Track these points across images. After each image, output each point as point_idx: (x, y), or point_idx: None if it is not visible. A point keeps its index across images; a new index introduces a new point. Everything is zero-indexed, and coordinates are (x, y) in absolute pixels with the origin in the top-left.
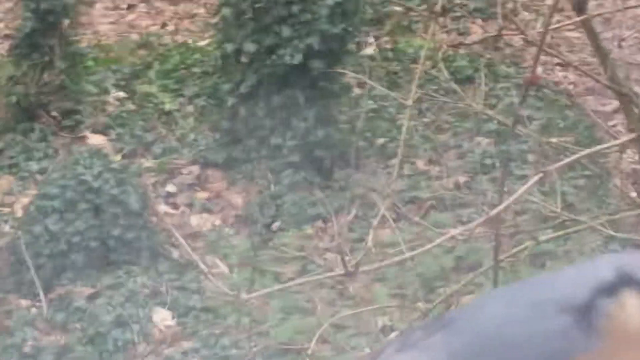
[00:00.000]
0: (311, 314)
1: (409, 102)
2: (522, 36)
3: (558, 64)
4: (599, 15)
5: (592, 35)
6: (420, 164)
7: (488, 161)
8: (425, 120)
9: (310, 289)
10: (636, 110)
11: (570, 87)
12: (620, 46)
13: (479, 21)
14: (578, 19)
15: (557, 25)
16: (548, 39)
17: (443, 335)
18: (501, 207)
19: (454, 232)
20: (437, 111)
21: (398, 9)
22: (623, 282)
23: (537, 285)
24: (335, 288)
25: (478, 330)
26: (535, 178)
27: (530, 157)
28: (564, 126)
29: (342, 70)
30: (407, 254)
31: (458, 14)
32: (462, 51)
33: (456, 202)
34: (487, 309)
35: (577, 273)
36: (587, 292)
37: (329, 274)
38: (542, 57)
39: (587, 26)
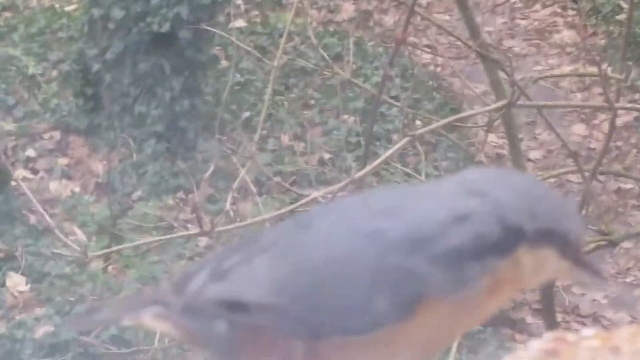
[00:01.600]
0: None
1: (275, 63)
2: None
3: (426, 46)
4: None
5: (463, 4)
6: (285, 139)
7: (353, 139)
8: (292, 96)
9: (168, 260)
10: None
11: (438, 69)
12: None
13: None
14: None
15: None
16: (417, 22)
17: (265, 261)
18: (366, 169)
19: (316, 193)
20: (303, 87)
21: None
22: (512, 237)
23: (377, 208)
24: (194, 260)
25: (306, 257)
26: (402, 142)
27: (396, 137)
28: (431, 107)
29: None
30: (265, 216)
31: None
32: (331, 28)
33: (320, 178)
34: (318, 230)
35: (424, 198)
36: (439, 225)
37: (185, 233)
38: (410, 40)
39: None
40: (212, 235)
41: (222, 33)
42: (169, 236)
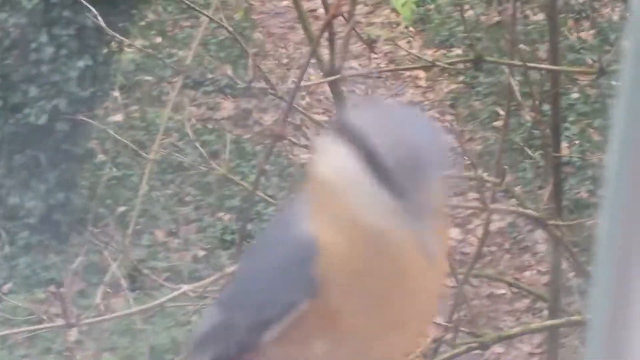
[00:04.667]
0: None
1: (151, 156)
2: (271, 91)
3: (304, 146)
4: (350, 76)
5: (340, 100)
6: (160, 235)
7: (228, 237)
8: (168, 192)
9: (36, 355)
10: None
11: None
12: None
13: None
14: (329, 79)
15: (308, 83)
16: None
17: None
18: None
19: (186, 287)
20: (180, 183)
21: (149, 78)
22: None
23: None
24: (62, 355)
25: (238, 275)
26: None
27: None
28: None
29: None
30: (134, 310)
31: (209, 88)
32: (210, 126)
33: (193, 275)
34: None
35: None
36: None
37: (50, 325)
38: (289, 139)
39: (335, 90)
40: (80, 328)
41: (100, 125)
42: (34, 327)
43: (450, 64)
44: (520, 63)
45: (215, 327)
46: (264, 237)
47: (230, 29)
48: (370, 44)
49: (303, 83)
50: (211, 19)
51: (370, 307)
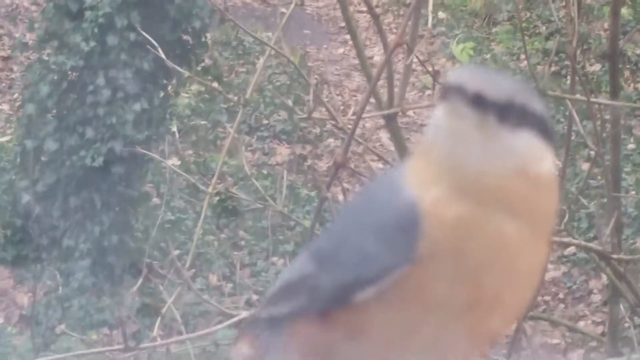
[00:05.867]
0: None
1: (210, 190)
2: (332, 122)
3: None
4: (410, 108)
5: (398, 140)
6: (214, 279)
7: None
8: (222, 236)
9: None
10: None
11: None
12: None
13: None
14: (390, 111)
15: (369, 115)
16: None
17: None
18: None
19: (245, 314)
20: (234, 228)
21: (204, 122)
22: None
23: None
24: None
25: (332, 229)
26: None
27: None
28: None
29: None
30: (189, 335)
31: (264, 134)
32: (265, 171)
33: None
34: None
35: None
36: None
37: (108, 349)
38: (348, 183)
39: (393, 129)
40: (134, 350)
41: (160, 159)
42: (89, 351)
43: None
44: (583, 98)
45: (304, 278)
46: (363, 196)
47: (293, 59)
48: (435, 73)
49: (364, 115)
50: (274, 49)
51: (468, 279)
